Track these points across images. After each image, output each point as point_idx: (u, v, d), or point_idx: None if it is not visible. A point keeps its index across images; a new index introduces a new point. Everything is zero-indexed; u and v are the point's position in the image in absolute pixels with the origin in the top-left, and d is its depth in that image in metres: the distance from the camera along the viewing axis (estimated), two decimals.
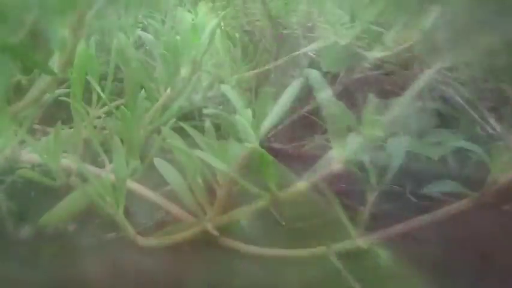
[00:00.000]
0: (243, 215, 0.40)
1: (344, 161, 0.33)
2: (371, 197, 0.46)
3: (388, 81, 0.87)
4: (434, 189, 0.42)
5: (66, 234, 0.49)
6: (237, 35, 0.79)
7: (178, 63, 0.55)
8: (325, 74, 0.46)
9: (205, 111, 0.40)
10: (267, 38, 0.78)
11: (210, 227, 0.41)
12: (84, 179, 0.46)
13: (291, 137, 0.80)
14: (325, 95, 0.34)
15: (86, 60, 0.53)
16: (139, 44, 0.83)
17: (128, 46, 0.59)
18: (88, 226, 0.50)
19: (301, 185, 0.37)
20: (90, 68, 0.55)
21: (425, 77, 0.33)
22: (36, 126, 0.72)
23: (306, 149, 0.81)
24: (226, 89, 0.41)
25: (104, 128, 0.64)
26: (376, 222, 0.46)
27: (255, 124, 0.39)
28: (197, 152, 0.37)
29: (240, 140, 0.39)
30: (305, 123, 0.82)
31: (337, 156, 0.33)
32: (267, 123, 0.37)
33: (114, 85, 0.76)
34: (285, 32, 0.76)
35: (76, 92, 0.54)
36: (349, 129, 0.34)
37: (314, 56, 0.80)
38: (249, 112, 0.39)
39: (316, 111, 0.83)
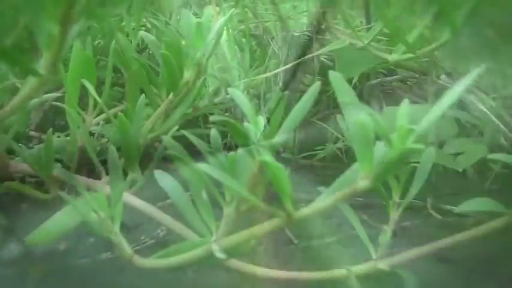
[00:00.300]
0: (253, 235, 0.35)
1: (372, 177, 0.29)
2: (394, 214, 0.42)
3: (404, 87, 0.83)
4: (469, 208, 0.37)
5: (56, 254, 0.46)
6: (243, 40, 0.76)
7: (181, 65, 0.50)
8: None
9: (211, 118, 0.36)
10: (276, 41, 0.74)
11: (216, 247, 0.36)
12: (77, 191, 0.42)
13: (301, 146, 0.75)
14: (349, 99, 0.30)
15: (81, 63, 0.50)
16: (142, 48, 0.80)
17: (128, 48, 0.55)
18: (80, 244, 0.47)
19: (320, 203, 0.32)
20: (87, 71, 0.51)
21: (461, 85, 0.28)
22: (33, 133, 0.68)
23: (317, 159, 0.77)
24: (235, 93, 0.36)
25: (102, 136, 0.60)
26: (397, 240, 0.42)
27: (267, 133, 0.34)
28: (201, 165, 0.32)
29: (249, 151, 0.35)
30: (315, 131, 0.79)
31: (364, 171, 0.29)
32: (283, 133, 0.33)
33: (116, 90, 0.73)
34: (295, 34, 0.72)
35: (71, 97, 0.50)
36: (377, 139, 0.30)
37: (326, 60, 0.77)
38: (261, 119, 0.35)
39: (326, 119, 0.79)
